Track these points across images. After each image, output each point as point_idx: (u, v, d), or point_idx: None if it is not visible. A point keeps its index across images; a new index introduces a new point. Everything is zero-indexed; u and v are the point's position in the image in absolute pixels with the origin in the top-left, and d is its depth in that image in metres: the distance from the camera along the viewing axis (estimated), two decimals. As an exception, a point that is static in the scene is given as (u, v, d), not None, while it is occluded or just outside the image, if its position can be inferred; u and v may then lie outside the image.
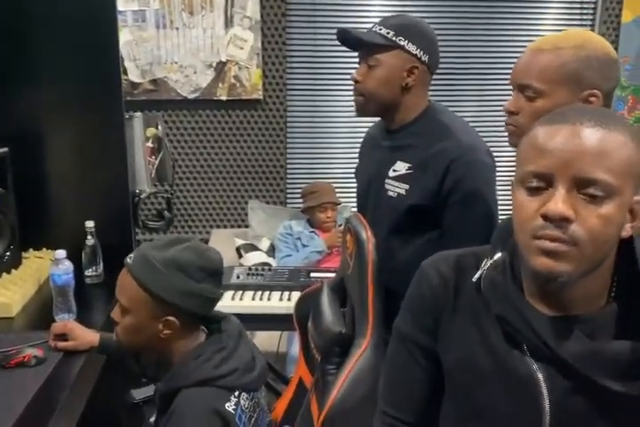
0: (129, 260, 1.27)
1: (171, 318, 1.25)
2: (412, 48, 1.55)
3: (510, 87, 1.28)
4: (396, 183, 1.58)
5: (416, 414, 1.00)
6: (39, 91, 2.02)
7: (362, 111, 1.66)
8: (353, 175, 3.40)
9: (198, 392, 1.22)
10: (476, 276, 0.91)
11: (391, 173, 1.60)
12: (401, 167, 1.58)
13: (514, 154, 1.27)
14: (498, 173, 1.60)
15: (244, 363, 1.28)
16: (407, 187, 1.56)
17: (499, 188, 1.59)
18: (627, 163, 0.77)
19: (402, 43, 1.54)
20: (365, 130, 3.35)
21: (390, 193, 1.60)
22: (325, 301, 1.42)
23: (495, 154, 1.65)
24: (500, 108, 3.85)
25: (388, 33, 1.55)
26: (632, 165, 0.77)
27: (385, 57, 1.56)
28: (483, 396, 0.90)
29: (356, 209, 1.85)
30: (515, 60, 3.84)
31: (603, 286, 0.85)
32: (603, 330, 0.83)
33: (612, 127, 0.78)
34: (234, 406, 1.22)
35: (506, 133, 1.29)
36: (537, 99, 1.18)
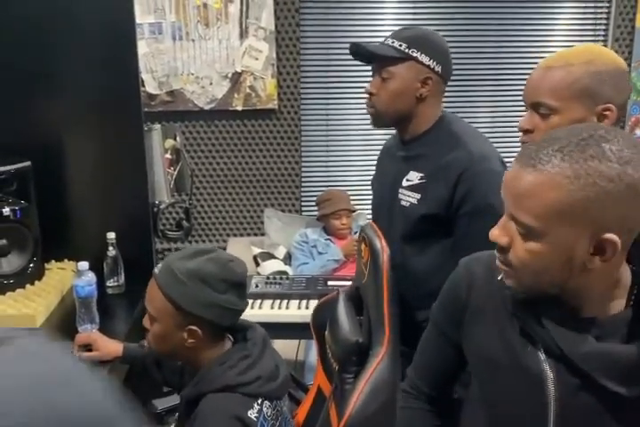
0: (156, 270, 1.31)
1: (193, 327, 1.27)
2: (424, 59, 1.56)
3: (522, 98, 1.29)
4: (409, 193, 1.60)
5: (435, 388, 1.14)
6: (59, 104, 2.06)
7: (377, 123, 1.68)
8: (367, 183, 3.45)
9: (222, 398, 1.24)
10: (501, 275, 0.95)
11: (404, 183, 1.62)
12: (414, 177, 1.60)
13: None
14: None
15: (267, 371, 1.30)
16: (419, 196, 1.57)
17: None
18: (551, 206, 0.80)
19: (414, 54, 1.56)
20: (379, 138, 3.42)
21: (403, 202, 1.61)
22: (342, 310, 1.44)
23: (508, 162, 1.66)
24: (512, 117, 3.87)
25: (401, 45, 1.56)
26: (562, 208, 0.79)
27: (398, 69, 1.57)
28: (497, 386, 0.96)
29: (370, 217, 1.88)
30: (527, 67, 3.85)
31: (607, 292, 0.88)
32: (612, 334, 0.87)
33: (549, 169, 0.80)
34: (256, 414, 1.24)
35: (518, 142, 1.30)
36: (551, 116, 1.18)
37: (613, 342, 0.86)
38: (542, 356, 0.90)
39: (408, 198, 1.60)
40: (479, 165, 1.50)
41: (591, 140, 0.80)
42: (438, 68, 1.58)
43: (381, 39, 3.18)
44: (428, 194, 1.56)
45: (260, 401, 1.26)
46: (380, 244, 1.30)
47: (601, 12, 3.33)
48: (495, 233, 0.88)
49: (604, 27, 3.34)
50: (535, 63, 3.83)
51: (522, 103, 4.00)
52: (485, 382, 0.98)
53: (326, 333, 1.48)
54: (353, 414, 1.19)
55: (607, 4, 3.31)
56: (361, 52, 1.62)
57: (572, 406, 0.88)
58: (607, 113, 1.17)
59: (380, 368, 1.21)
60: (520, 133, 1.26)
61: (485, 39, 3.35)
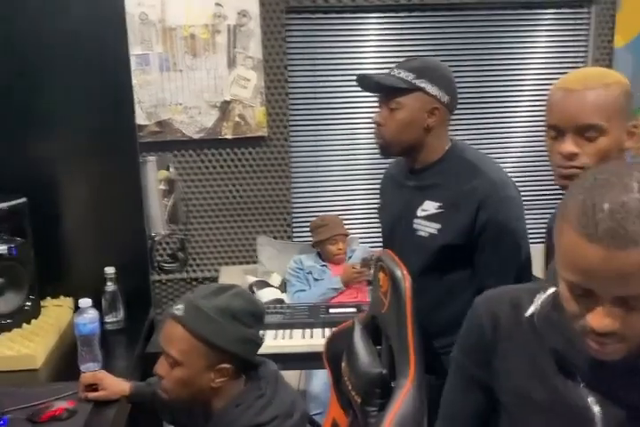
0: (177, 312, 1.26)
1: (226, 365, 1.25)
2: (432, 90, 1.57)
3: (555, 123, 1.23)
4: (427, 223, 1.59)
5: None
6: (54, 138, 2.04)
7: (386, 153, 1.68)
8: (356, 208, 3.46)
9: None
10: (530, 311, 0.94)
11: (420, 213, 1.61)
12: (430, 207, 1.59)
13: (531, 183, 1.28)
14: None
15: (284, 409, 1.27)
16: (439, 226, 1.56)
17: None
18: None
19: (422, 85, 1.57)
20: (364, 163, 3.40)
21: (421, 233, 1.60)
22: (359, 340, 1.42)
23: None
24: (493, 139, 3.83)
25: (408, 76, 1.57)
26: None
27: (406, 100, 1.58)
28: (536, 424, 0.92)
29: (378, 244, 1.86)
30: (507, 88, 3.82)
31: None
32: None
33: None
34: None
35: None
36: (599, 137, 1.15)
37: None
38: (584, 391, 0.87)
39: (426, 229, 1.59)
40: (500, 192, 1.51)
41: None
42: (445, 99, 1.59)
43: (366, 66, 3.26)
44: (448, 223, 1.55)
45: None
46: (402, 272, 1.29)
47: (580, 34, 3.40)
48: (607, 323, 0.76)
49: (583, 48, 3.42)
50: (515, 84, 3.83)
51: (504, 125, 4.00)
52: (522, 420, 0.94)
53: (343, 364, 1.45)
54: (383, 448, 1.15)
55: (586, 27, 3.38)
56: (368, 83, 1.63)
57: None
58: (634, 130, 1.17)
59: (406, 400, 1.18)
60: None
61: (465, 58, 3.37)
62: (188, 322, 1.25)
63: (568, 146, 1.16)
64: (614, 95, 1.15)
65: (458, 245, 1.53)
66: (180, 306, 1.27)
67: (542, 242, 1.85)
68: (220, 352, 1.25)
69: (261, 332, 1.36)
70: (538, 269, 1.72)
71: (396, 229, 1.71)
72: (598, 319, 0.76)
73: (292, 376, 2.51)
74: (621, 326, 0.76)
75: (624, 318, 0.76)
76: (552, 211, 1.16)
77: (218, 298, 1.27)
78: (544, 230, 1.55)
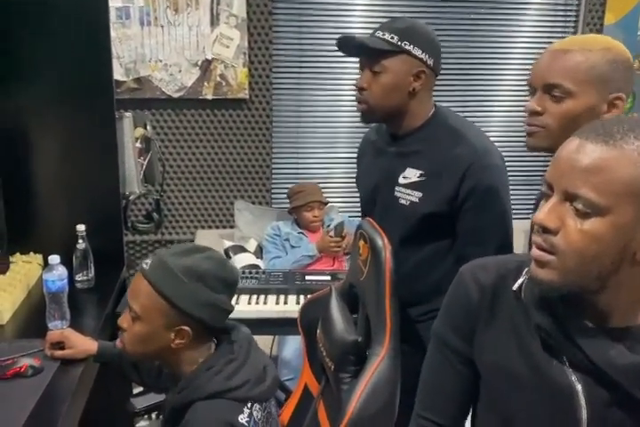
0: (145, 266, 1.23)
1: (185, 327, 1.22)
2: (417, 52, 1.51)
3: (528, 80, 1.25)
4: (408, 191, 1.55)
5: (452, 417, 1.02)
6: (28, 90, 1.96)
7: (368, 119, 1.62)
8: (337, 175, 3.42)
9: (211, 405, 1.19)
10: (517, 284, 0.91)
11: (401, 181, 1.57)
12: (412, 174, 1.55)
13: (516, 155, 1.27)
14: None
15: (255, 374, 1.25)
16: (421, 194, 1.53)
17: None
18: (623, 183, 0.75)
19: (407, 47, 1.50)
20: (347, 131, 3.35)
21: (402, 201, 1.56)
22: (335, 307, 1.40)
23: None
24: (481, 112, 3.79)
25: (393, 38, 1.50)
26: (634, 185, 0.75)
27: (391, 62, 1.51)
28: (519, 404, 0.90)
29: (358, 213, 1.82)
30: (495, 62, 3.80)
31: (638, 299, 0.84)
32: None
33: (623, 145, 0.76)
34: (247, 419, 1.19)
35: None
36: (565, 99, 1.15)
37: None
38: (568, 369, 0.85)
39: (408, 197, 1.55)
40: (484, 160, 1.47)
41: None
42: (430, 62, 1.53)
43: (355, 29, 3.19)
44: (430, 192, 1.51)
45: (249, 405, 1.22)
46: (382, 241, 1.26)
47: (570, 10, 3.36)
48: (542, 216, 0.79)
49: (573, 24, 3.37)
50: (505, 59, 3.79)
51: (491, 98, 3.96)
52: (503, 397, 0.92)
53: (318, 331, 1.44)
54: (355, 413, 1.14)
55: (577, 2, 3.34)
56: (350, 45, 1.54)
57: (606, 420, 0.83)
58: (618, 102, 1.15)
59: (381, 368, 1.16)
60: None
61: (454, 33, 3.32)
62: (151, 277, 1.21)
63: (531, 103, 1.19)
64: (593, 60, 1.14)
65: (440, 214, 1.50)
66: (149, 260, 1.24)
67: (526, 218, 1.83)
68: (180, 313, 1.21)
69: (234, 298, 1.31)
70: (520, 245, 1.71)
71: (375, 197, 1.67)
72: (542, 211, 0.80)
73: (264, 342, 2.50)
74: (558, 229, 0.79)
75: (565, 222, 0.78)
76: (536, 184, 1.17)
77: (188, 257, 1.23)
78: (527, 205, 1.54)
